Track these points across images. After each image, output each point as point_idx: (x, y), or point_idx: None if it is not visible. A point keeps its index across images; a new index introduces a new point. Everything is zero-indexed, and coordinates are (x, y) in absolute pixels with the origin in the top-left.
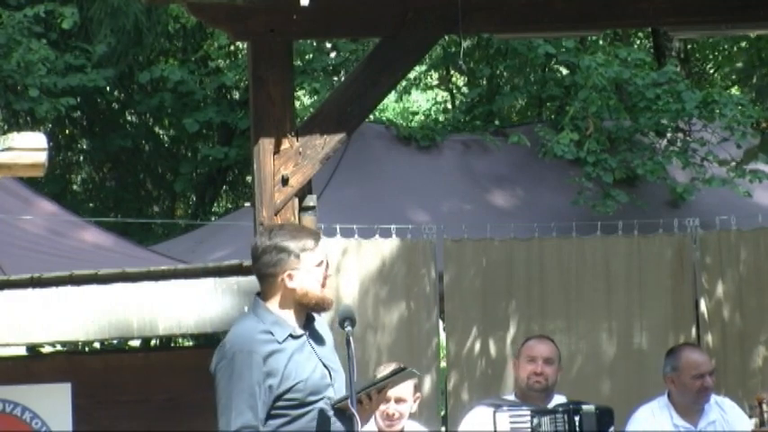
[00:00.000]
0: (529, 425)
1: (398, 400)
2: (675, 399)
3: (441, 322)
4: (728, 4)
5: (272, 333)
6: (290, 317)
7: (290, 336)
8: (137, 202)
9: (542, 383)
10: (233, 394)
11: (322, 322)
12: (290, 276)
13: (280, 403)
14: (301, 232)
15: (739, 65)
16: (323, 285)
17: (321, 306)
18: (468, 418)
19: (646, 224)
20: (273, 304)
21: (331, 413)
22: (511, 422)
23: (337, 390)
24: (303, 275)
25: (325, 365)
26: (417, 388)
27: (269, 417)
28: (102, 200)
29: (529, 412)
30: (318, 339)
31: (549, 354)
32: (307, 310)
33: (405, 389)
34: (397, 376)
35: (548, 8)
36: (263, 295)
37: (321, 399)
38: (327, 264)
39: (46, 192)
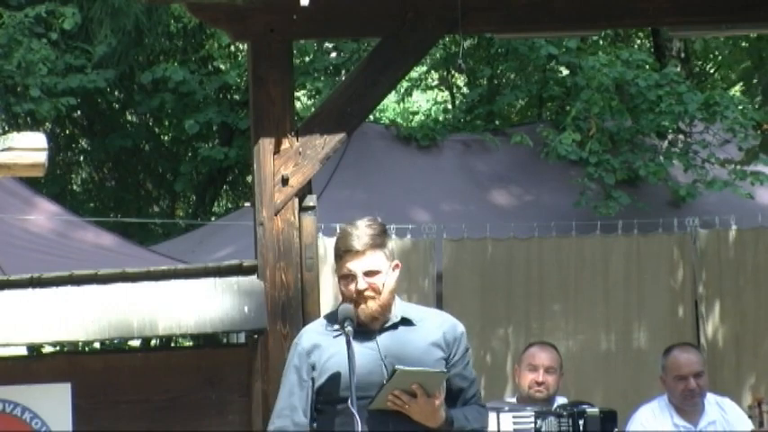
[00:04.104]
0: (532, 426)
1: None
2: (670, 398)
3: None
4: (729, 4)
5: (332, 326)
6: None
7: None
8: (137, 202)
9: (543, 393)
10: (282, 389)
11: (431, 320)
12: (337, 277)
13: (320, 397)
14: (343, 237)
15: (745, 65)
16: (347, 298)
17: (359, 317)
18: None
19: (645, 224)
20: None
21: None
22: (514, 423)
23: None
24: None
25: (386, 365)
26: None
27: (317, 410)
28: (102, 200)
29: (532, 413)
30: (399, 339)
31: (550, 362)
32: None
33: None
34: (395, 377)
35: (548, 8)
36: None
37: (367, 397)
38: (361, 277)
39: (45, 192)
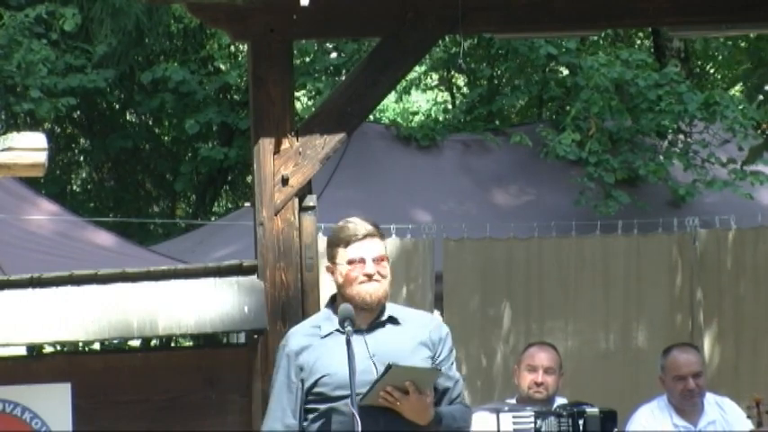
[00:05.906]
0: (532, 426)
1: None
2: (669, 398)
3: None
4: (729, 4)
5: (319, 327)
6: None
7: (338, 331)
8: (137, 202)
9: (543, 393)
10: (272, 392)
11: (418, 320)
12: (329, 269)
13: (310, 397)
14: (345, 227)
15: (745, 67)
16: (352, 282)
17: (357, 303)
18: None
19: (645, 224)
20: (338, 298)
21: (353, 410)
22: (514, 423)
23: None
24: (339, 271)
25: (375, 364)
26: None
27: (307, 411)
28: (102, 200)
29: (532, 414)
30: (387, 338)
31: (549, 363)
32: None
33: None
34: (389, 374)
35: (548, 8)
36: None
37: (358, 395)
38: (370, 261)
39: (45, 192)
